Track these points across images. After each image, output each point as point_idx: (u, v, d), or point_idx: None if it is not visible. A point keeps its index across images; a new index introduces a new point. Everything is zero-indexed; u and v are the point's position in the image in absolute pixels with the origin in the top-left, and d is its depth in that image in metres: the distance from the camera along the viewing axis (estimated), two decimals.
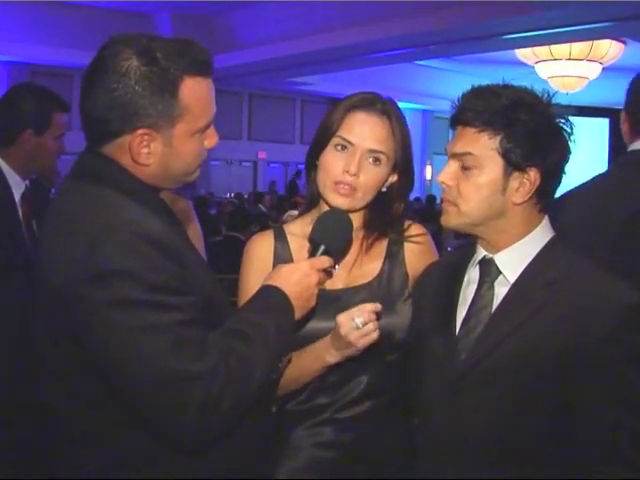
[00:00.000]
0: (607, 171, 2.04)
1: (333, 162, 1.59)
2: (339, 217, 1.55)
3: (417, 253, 1.67)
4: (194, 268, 1.32)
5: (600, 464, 1.30)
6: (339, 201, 1.59)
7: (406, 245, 1.68)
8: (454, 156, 1.40)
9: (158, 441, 1.26)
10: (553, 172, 1.38)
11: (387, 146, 1.60)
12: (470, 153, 1.36)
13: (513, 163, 1.35)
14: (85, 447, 1.31)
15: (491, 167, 1.36)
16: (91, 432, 1.29)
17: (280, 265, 1.46)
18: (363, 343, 1.45)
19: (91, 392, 1.27)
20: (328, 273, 1.48)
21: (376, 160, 1.59)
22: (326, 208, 1.65)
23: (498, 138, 1.35)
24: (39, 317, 1.33)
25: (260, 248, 1.68)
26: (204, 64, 1.32)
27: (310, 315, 1.49)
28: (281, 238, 1.68)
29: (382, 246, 1.68)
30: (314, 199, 1.68)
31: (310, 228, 1.55)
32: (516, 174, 1.36)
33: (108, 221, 1.23)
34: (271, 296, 1.38)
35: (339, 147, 1.60)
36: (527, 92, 1.39)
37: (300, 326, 1.51)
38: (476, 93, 1.40)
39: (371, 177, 1.59)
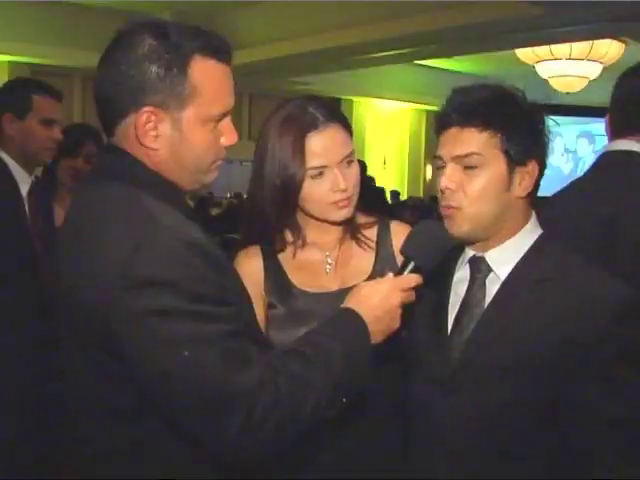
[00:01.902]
0: (585, 174, 2.04)
1: (318, 189, 1.58)
2: (436, 230, 1.43)
3: (402, 233, 1.64)
4: (231, 276, 1.27)
5: (595, 460, 1.30)
6: (342, 213, 1.60)
7: (392, 232, 1.69)
8: (456, 159, 1.38)
9: (189, 459, 1.21)
10: (545, 163, 1.41)
11: (350, 142, 1.61)
12: (476, 153, 1.36)
13: (515, 159, 1.36)
14: (110, 463, 1.26)
15: (495, 165, 1.37)
16: (120, 449, 1.24)
17: (361, 285, 1.37)
18: None
19: (125, 409, 1.21)
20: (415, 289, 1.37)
21: (350, 161, 1.60)
22: (312, 222, 1.64)
23: (498, 136, 1.36)
24: (68, 331, 1.26)
25: (248, 267, 1.67)
26: (220, 49, 1.27)
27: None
28: (269, 255, 1.68)
29: (372, 237, 1.69)
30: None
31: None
32: (518, 169, 1.37)
33: (147, 227, 1.16)
34: (345, 320, 1.30)
35: (316, 175, 1.57)
36: (505, 88, 1.41)
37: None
38: (464, 94, 1.40)
39: (354, 177, 1.61)
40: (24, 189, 2.51)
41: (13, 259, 2.41)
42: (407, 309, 1.37)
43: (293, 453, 1.40)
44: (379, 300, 1.31)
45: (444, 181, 1.39)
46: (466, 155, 1.37)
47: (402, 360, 1.60)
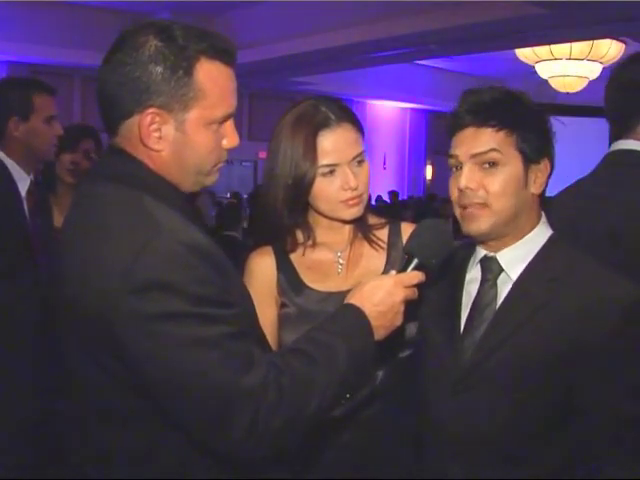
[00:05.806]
0: (589, 174, 2.03)
1: (329, 187, 1.58)
2: (439, 227, 1.42)
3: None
4: (234, 278, 1.27)
5: (609, 460, 1.31)
6: (352, 211, 1.60)
7: (403, 233, 1.68)
8: (475, 157, 1.39)
9: (194, 460, 1.20)
10: (554, 162, 1.44)
11: (361, 142, 1.62)
12: (495, 149, 1.38)
13: (530, 157, 1.39)
14: (116, 465, 1.24)
15: (513, 163, 1.39)
16: (123, 449, 1.23)
17: (363, 282, 1.36)
18: None
19: (130, 411, 1.21)
20: (418, 287, 1.37)
21: (360, 160, 1.61)
22: (323, 222, 1.64)
23: (514, 136, 1.38)
24: (70, 334, 1.25)
25: (261, 267, 1.66)
26: (225, 52, 1.26)
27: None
28: (281, 255, 1.67)
29: (383, 238, 1.69)
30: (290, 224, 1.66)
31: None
32: (533, 166, 1.40)
33: (150, 230, 1.16)
34: (348, 316, 1.28)
35: (327, 173, 1.58)
36: (512, 89, 1.43)
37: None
38: (475, 94, 1.42)
39: (364, 176, 1.62)
40: (23, 189, 2.52)
41: (12, 258, 2.41)
42: (411, 308, 1.36)
43: (301, 451, 1.41)
44: (382, 296, 1.30)
45: (464, 180, 1.38)
46: (486, 152, 1.38)
47: (410, 358, 1.59)
